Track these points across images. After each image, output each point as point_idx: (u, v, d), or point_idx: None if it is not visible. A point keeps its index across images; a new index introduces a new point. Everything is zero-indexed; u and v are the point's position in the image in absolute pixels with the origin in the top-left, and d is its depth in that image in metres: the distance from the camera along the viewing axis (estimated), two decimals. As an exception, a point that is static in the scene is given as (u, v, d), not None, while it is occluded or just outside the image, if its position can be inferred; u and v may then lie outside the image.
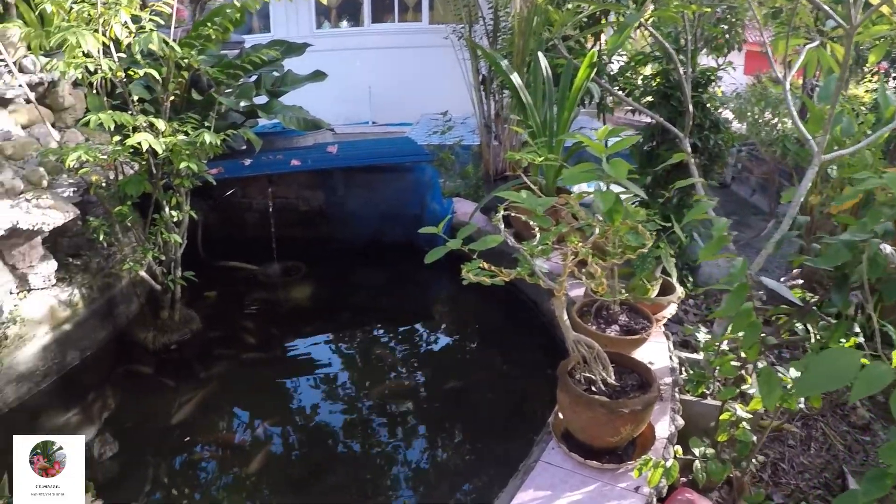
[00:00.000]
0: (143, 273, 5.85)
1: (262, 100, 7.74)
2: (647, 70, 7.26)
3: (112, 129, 5.08)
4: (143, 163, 5.63)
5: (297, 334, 6.70)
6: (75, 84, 6.54)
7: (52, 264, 5.68)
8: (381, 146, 8.64)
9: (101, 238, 5.61)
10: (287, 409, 5.62)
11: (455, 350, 6.50)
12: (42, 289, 5.62)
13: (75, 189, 5.75)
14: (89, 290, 6.03)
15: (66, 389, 5.75)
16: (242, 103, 7.38)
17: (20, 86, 5.69)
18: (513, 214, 3.71)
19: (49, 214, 5.23)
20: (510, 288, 6.47)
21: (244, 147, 7.60)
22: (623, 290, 4.45)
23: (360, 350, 6.48)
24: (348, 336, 6.72)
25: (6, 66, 5.83)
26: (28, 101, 5.74)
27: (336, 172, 7.79)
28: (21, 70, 5.99)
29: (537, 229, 3.42)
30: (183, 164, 5.31)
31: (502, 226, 3.50)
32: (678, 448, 3.75)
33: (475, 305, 7.06)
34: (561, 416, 3.92)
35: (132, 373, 6.03)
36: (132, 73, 5.37)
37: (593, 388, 3.68)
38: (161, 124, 5.24)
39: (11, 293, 5.39)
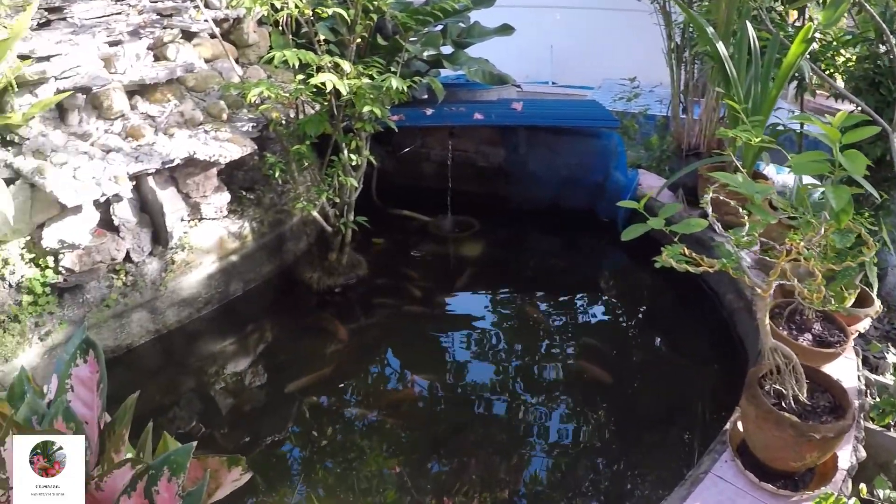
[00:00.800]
0: (315, 213, 5.84)
1: (447, 50, 7.54)
2: (849, 53, 6.49)
3: (296, 67, 5.02)
4: (325, 104, 5.56)
5: (459, 290, 6.55)
6: (260, 22, 6.59)
7: (226, 196, 5.78)
8: (567, 107, 8.22)
9: (277, 175, 5.62)
10: (438, 364, 5.48)
11: (618, 328, 6.12)
12: (213, 219, 5.73)
13: (254, 124, 5.80)
14: (259, 224, 6.11)
15: (226, 319, 5.87)
16: (427, 52, 7.22)
17: (205, 21, 5.76)
18: (721, 197, 3.32)
19: (226, 147, 5.28)
20: (693, 276, 6.08)
21: (425, 97, 7.45)
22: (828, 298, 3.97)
23: (519, 313, 6.24)
24: (510, 298, 6.50)
25: (193, 1, 5.92)
26: (212, 35, 5.80)
27: (520, 130, 7.47)
28: (207, 6, 6.08)
29: (746, 218, 3.04)
30: (366, 108, 5.19)
31: (710, 209, 3.13)
32: (863, 487, 3.30)
33: (648, 286, 6.65)
34: (741, 427, 3.53)
35: (293, 310, 6.10)
36: (319, 13, 5.29)
37: (783, 404, 3.28)
38: (346, 66, 5.14)
39: (183, 220, 5.52)
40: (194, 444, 2.04)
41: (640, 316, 6.33)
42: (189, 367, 5.39)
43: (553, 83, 13.59)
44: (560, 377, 5.28)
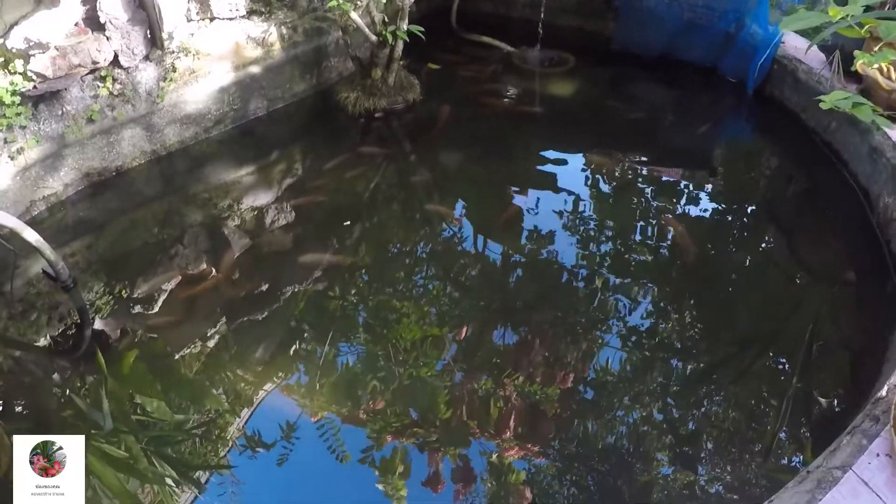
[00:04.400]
0: (354, 15, 4.77)
1: None
2: None
3: None
4: None
5: (538, 138, 5.37)
6: None
7: (243, -10, 4.76)
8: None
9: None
10: (512, 231, 4.45)
11: (726, 218, 4.72)
12: (228, 19, 4.76)
13: None
14: (291, 31, 5.10)
15: (242, 142, 5.05)
16: None
17: None
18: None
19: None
20: (833, 162, 4.71)
21: None
22: None
23: (612, 182, 4.98)
24: (600, 160, 5.19)
25: None
26: None
27: None
28: None
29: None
30: None
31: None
32: None
33: (775, 169, 5.29)
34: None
35: (329, 138, 5.19)
36: None
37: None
38: None
39: (189, 20, 4.57)
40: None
41: (759, 207, 4.84)
42: (194, 197, 4.62)
43: None
44: (649, 262, 4.20)
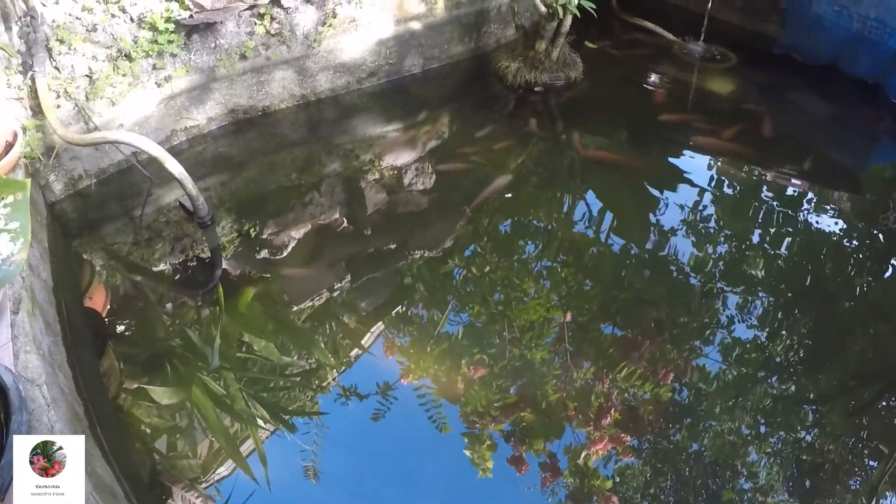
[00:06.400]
0: (530, -18, 4.49)
1: None
2: None
3: None
4: None
5: (693, 132, 4.82)
6: None
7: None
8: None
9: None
10: (639, 224, 4.07)
11: (857, 246, 4.06)
12: (397, -33, 4.58)
13: None
14: (458, -10, 4.87)
15: (394, 98, 4.86)
16: None
17: None
18: None
19: None
20: None
21: None
22: None
23: (754, 187, 4.43)
24: (751, 160, 4.60)
25: None
26: None
27: None
28: None
29: None
30: None
31: None
32: None
33: None
34: None
35: (482, 104, 4.93)
36: None
37: None
38: None
39: (356, -36, 4.42)
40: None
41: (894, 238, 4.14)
42: (336, 147, 4.46)
43: None
44: (771, 280, 3.69)
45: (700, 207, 4.19)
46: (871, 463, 2.82)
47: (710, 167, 4.59)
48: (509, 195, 4.12)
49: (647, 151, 4.62)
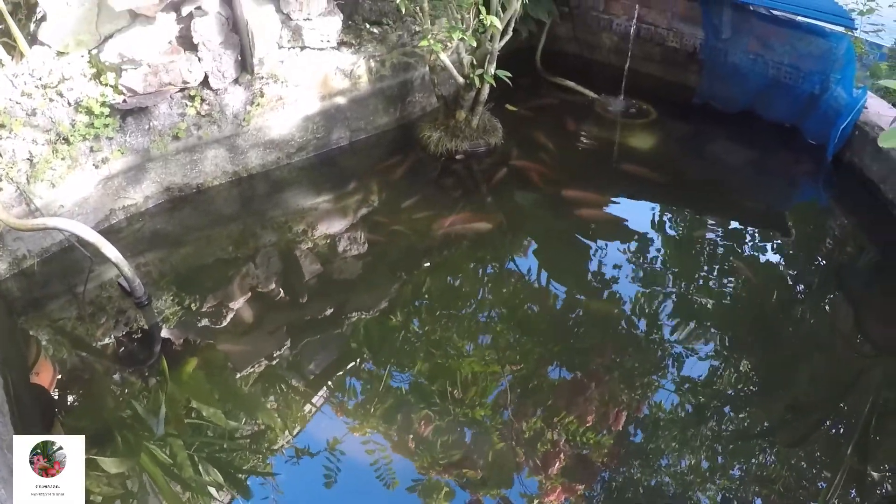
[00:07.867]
0: (443, 57, 4.75)
1: None
2: None
3: None
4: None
5: (616, 187, 5.16)
6: None
7: (335, 22, 4.82)
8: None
9: (402, 6, 4.56)
10: (572, 275, 4.33)
11: (794, 282, 4.46)
12: (318, 49, 4.82)
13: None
14: (379, 65, 5.14)
15: (323, 171, 5.05)
16: None
17: None
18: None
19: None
20: None
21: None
22: None
23: (685, 236, 4.83)
24: (675, 212, 5.05)
25: None
26: None
27: (726, 10, 5.85)
28: None
29: None
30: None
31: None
32: None
33: (847, 239, 4.95)
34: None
35: (409, 173, 5.15)
36: None
37: None
38: None
39: (280, 47, 4.66)
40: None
41: (827, 273, 4.56)
42: (270, 220, 4.61)
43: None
44: (711, 329, 3.96)
45: (637, 252, 4.50)
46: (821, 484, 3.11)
47: (645, 216, 4.90)
48: (438, 260, 4.36)
49: (575, 205, 4.90)
